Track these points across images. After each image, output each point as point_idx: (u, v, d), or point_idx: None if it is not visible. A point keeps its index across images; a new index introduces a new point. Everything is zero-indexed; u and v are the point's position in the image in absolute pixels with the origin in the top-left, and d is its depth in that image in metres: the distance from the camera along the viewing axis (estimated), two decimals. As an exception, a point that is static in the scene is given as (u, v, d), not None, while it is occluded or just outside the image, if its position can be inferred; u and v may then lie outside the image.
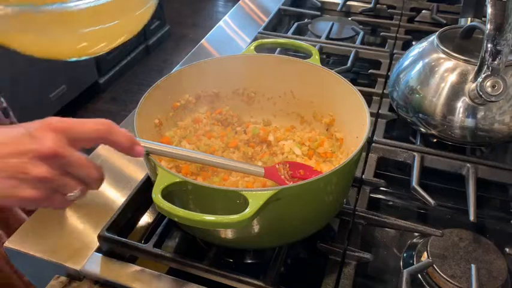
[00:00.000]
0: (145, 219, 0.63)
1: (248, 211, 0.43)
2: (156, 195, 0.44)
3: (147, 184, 0.64)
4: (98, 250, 0.57)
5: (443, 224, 0.61)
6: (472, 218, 0.59)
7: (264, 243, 0.55)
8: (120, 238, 0.57)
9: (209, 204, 0.49)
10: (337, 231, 0.59)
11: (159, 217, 0.62)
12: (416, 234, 0.61)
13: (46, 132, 0.42)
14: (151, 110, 0.60)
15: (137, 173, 0.69)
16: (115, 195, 0.66)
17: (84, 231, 0.61)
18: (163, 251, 0.55)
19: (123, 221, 0.60)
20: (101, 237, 0.57)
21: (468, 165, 0.67)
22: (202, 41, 1.05)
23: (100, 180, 0.47)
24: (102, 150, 0.74)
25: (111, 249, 0.57)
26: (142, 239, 0.60)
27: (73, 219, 0.63)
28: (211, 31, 1.09)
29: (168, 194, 0.45)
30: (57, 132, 0.42)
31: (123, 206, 0.60)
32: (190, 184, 0.46)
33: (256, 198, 0.43)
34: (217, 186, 0.48)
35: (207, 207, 0.48)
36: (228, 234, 0.52)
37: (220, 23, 1.13)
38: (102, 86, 2.50)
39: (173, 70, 0.66)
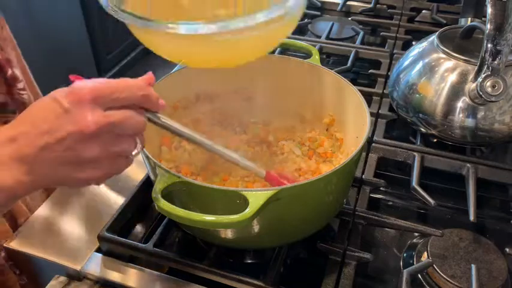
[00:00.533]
0: (146, 219, 0.63)
1: (248, 211, 0.43)
2: (156, 195, 0.44)
3: (147, 184, 0.64)
4: (98, 250, 0.57)
5: (443, 224, 0.61)
6: (472, 218, 0.59)
7: (264, 243, 0.55)
8: (120, 238, 0.57)
9: (209, 204, 0.49)
10: (337, 231, 0.59)
11: (159, 217, 0.62)
12: (416, 234, 0.61)
13: (82, 105, 0.38)
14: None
15: (137, 173, 0.69)
16: (115, 196, 0.66)
17: (84, 231, 0.61)
18: (163, 251, 0.55)
19: (123, 221, 0.60)
20: (100, 238, 0.57)
21: (468, 165, 0.67)
22: (203, 40, 1.04)
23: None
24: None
25: (111, 249, 0.57)
26: (142, 239, 0.60)
27: (73, 220, 0.63)
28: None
29: (168, 194, 0.45)
30: (93, 101, 0.39)
31: (123, 206, 0.60)
32: (190, 184, 0.46)
33: (256, 198, 0.43)
34: (217, 186, 0.48)
35: (207, 207, 0.48)
36: (228, 234, 0.52)
37: (221, 23, 1.13)
38: (102, 86, 2.50)
39: (173, 70, 0.66)
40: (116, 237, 0.57)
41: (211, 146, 0.49)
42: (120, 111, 0.40)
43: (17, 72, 0.74)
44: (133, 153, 0.43)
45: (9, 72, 0.72)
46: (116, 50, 2.59)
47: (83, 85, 0.40)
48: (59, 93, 0.39)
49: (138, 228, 0.62)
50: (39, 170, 0.39)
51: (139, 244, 0.56)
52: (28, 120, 0.39)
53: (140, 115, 0.42)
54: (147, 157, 0.50)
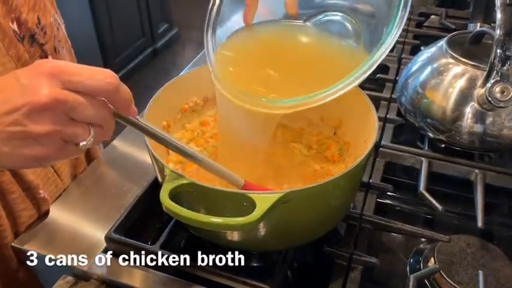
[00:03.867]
0: (153, 220, 0.63)
1: (255, 213, 0.43)
2: (164, 197, 0.44)
3: (154, 185, 0.64)
4: (105, 251, 0.58)
5: (451, 230, 0.61)
6: (480, 224, 0.59)
7: (270, 246, 0.55)
8: (127, 239, 0.57)
9: (216, 205, 0.49)
10: (343, 236, 0.59)
11: (166, 218, 0.62)
12: (423, 239, 0.61)
13: (38, 79, 0.36)
14: (159, 113, 0.61)
15: (145, 174, 0.69)
16: (122, 196, 0.66)
17: (91, 231, 0.61)
18: (170, 252, 0.55)
19: (130, 222, 0.60)
20: (108, 238, 0.57)
21: (476, 171, 0.66)
22: (211, 44, 1.05)
23: (111, 121, 0.41)
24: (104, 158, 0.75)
25: (118, 250, 0.57)
26: (149, 240, 0.60)
27: (80, 220, 0.63)
28: (219, 34, 1.09)
29: (176, 195, 0.45)
30: (51, 76, 0.36)
31: (130, 207, 0.61)
32: (197, 186, 0.46)
33: (264, 201, 0.43)
34: (224, 188, 0.48)
35: (214, 208, 0.48)
36: (235, 236, 0.52)
37: (229, 26, 1.13)
38: (110, 89, 2.51)
39: (181, 73, 0.67)
40: (123, 238, 0.57)
41: (184, 150, 0.47)
42: (79, 95, 0.37)
43: None
44: (82, 143, 0.39)
45: None
46: (124, 53, 2.61)
47: (46, 61, 0.38)
48: (21, 69, 0.38)
49: (146, 228, 0.62)
50: None
51: (146, 245, 0.56)
52: None
53: (104, 108, 0.40)
54: (155, 158, 0.50)
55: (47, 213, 0.64)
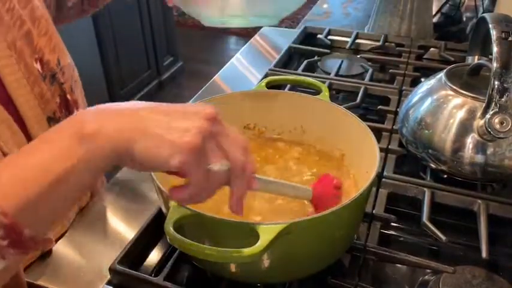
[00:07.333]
0: (157, 251, 0.63)
1: (259, 244, 0.43)
2: (169, 228, 0.45)
3: (159, 216, 0.64)
4: (109, 283, 0.58)
5: (456, 261, 0.60)
6: (484, 255, 0.58)
7: (274, 278, 0.55)
8: (131, 271, 0.57)
9: (220, 236, 0.49)
10: (348, 267, 0.58)
11: (170, 250, 0.62)
12: (428, 270, 0.60)
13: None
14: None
15: (149, 204, 0.70)
16: (127, 227, 0.66)
17: (96, 263, 0.61)
18: (173, 284, 0.55)
19: (135, 253, 0.60)
20: (112, 270, 0.57)
21: (479, 201, 0.66)
22: (215, 77, 1.07)
23: (244, 163, 0.43)
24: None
25: (122, 282, 0.57)
26: (153, 272, 0.60)
27: (85, 251, 0.64)
28: (223, 67, 1.12)
29: (180, 226, 0.46)
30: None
31: (134, 239, 0.61)
32: (201, 217, 0.47)
33: (267, 232, 0.44)
34: (228, 218, 0.48)
35: (218, 239, 0.48)
36: (239, 267, 0.52)
37: (233, 59, 1.16)
38: (115, 120, 2.54)
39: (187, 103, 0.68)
40: (127, 269, 0.57)
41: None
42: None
43: None
44: (213, 165, 0.41)
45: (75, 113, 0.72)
46: (129, 85, 2.65)
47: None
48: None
49: (150, 260, 0.62)
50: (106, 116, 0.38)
51: (150, 277, 0.56)
52: None
53: (244, 150, 0.43)
54: (160, 190, 0.51)
55: (49, 252, 0.63)
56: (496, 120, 0.61)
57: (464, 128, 0.67)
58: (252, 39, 1.27)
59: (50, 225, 0.40)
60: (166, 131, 0.38)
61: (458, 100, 0.69)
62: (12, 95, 0.57)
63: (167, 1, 0.70)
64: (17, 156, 0.38)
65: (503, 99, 0.61)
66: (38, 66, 0.61)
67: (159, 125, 0.38)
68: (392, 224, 0.67)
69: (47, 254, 0.63)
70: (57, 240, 0.65)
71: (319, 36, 1.21)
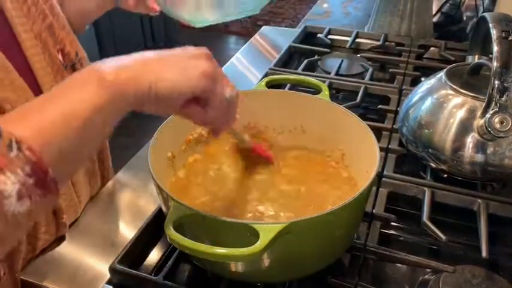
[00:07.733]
0: (157, 251, 0.63)
1: (259, 244, 0.43)
2: (169, 228, 0.45)
3: (159, 216, 0.64)
4: (109, 282, 0.58)
5: (456, 260, 0.60)
6: (484, 254, 0.58)
7: (274, 277, 0.55)
8: (131, 270, 0.57)
9: (220, 236, 0.49)
10: (348, 266, 0.58)
11: (170, 249, 0.62)
12: (428, 270, 0.60)
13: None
14: (164, 144, 0.62)
15: (149, 204, 0.70)
16: (127, 227, 0.66)
17: (96, 262, 0.61)
18: (173, 283, 0.55)
19: (135, 253, 0.60)
20: (112, 270, 0.57)
21: (479, 200, 0.66)
22: (215, 76, 1.07)
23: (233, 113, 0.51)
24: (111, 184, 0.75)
25: (122, 282, 0.57)
26: (153, 271, 0.60)
27: (85, 251, 0.64)
28: (223, 67, 1.12)
29: (180, 225, 0.46)
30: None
31: (134, 238, 0.61)
32: (201, 216, 0.47)
33: (267, 231, 0.44)
34: (228, 218, 0.48)
35: (218, 238, 0.48)
36: (239, 267, 0.52)
37: (232, 59, 1.16)
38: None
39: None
40: (127, 269, 0.57)
41: None
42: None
43: None
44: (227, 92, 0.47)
45: None
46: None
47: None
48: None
49: (150, 260, 0.62)
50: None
51: (150, 276, 0.56)
52: None
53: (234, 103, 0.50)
54: (160, 189, 0.51)
55: (62, 238, 0.64)
56: (496, 120, 0.61)
57: (465, 127, 0.67)
58: (252, 39, 1.27)
59: (68, 173, 0.42)
60: (181, 68, 0.43)
61: (459, 99, 0.69)
62: (39, 82, 0.62)
63: (150, 9, 0.73)
64: (43, 100, 0.39)
65: (503, 99, 0.61)
66: (59, 56, 0.66)
67: (174, 64, 0.43)
68: (393, 223, 0.67)
69: (59, 242, 0.64)
70: (70, 226, 0.66)
71: (319, 35, 1.21)
